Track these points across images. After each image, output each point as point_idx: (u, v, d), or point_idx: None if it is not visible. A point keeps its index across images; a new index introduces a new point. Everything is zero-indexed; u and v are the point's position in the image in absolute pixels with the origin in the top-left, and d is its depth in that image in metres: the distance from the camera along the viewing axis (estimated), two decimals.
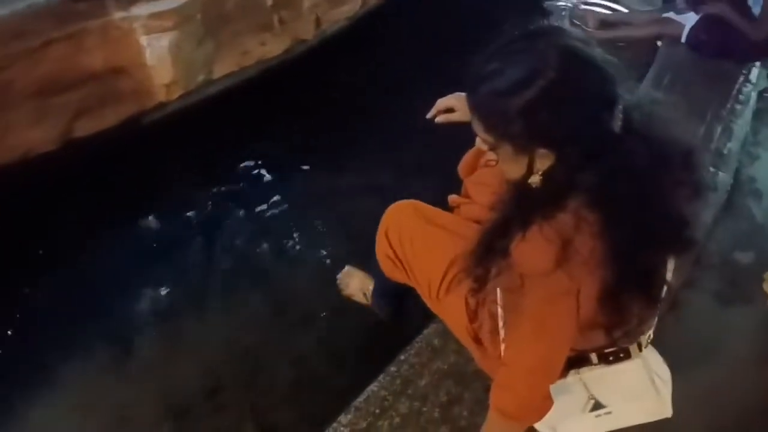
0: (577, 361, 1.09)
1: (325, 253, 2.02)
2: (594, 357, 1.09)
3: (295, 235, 2.09)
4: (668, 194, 0.89)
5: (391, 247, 1.39)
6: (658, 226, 0.87)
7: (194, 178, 2.27)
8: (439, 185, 1.95)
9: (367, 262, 1.66)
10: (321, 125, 2.56)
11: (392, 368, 1.43)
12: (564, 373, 1.09)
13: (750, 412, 1.50)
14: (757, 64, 2.73)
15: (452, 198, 1.52)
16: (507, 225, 0.91)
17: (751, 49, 2.62)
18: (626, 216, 0.84)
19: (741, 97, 2.58)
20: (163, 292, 1.89)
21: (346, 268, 1.85)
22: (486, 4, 3.16)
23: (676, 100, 1.06)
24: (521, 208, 0.90)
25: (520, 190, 0.92)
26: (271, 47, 2.48)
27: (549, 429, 1.18)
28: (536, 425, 1.18)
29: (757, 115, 2.61)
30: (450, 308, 1.31)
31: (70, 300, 1.83)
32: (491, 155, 0.94)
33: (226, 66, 2.35)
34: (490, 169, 1.32)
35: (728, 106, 2.52)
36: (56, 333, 1.74)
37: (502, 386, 1.02)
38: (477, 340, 1.25)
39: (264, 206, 2.21)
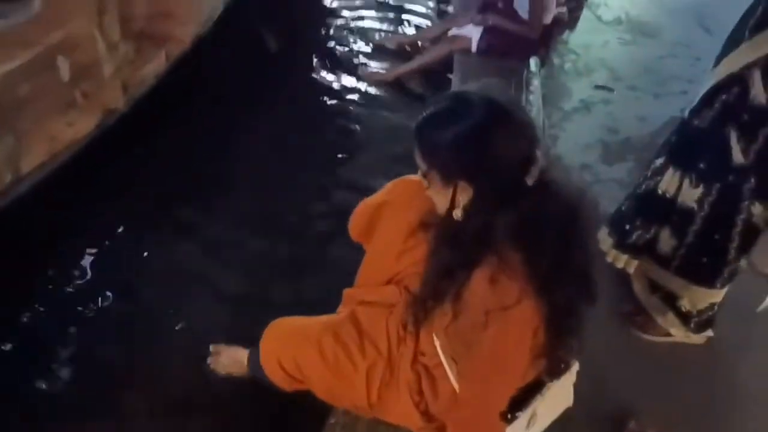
0: (536, 386, 1.18)
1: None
2: (546, 377, 1.18)
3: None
4: (574, 243, 1.02)
5: (290, 375, 1.39)
6: (570, 269, 1.01)
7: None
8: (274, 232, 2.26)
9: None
10: (145, 193, 2.43)
11: (331, 420, 1.42)
12: (525, 404, 1.16)
13: None
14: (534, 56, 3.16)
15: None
16: (450, 267, 1.01)
17: (530, 45, 3.03)
18: (544, 257, 0.96)
19: (531, 87, 2.97)
20: None
21: (211, 347, 1.74)
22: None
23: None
24: (459, 247, 1.00)
25: (451, 233, 1.02)
26: (81, 125, 2.26)
27: None
28: None
29: (545, 100, 3.04)
30: (389, 406, 1.31)
31: None
32: (424, 182, 1.05)
33: (35, 157, 2.09)
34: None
35: (523, 96, 2.89)
36: None
37: (463, 424, 1.08)
38: (429, 418, 1.26)
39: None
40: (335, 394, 1.36)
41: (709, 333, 2.01)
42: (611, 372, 1.85)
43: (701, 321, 1.97)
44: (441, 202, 1.04)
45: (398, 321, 1.33)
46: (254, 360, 1.52)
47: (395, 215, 1.35)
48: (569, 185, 1.04)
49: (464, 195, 0.99)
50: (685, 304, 1.93)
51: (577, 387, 1.31)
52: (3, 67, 1.96)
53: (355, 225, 1.45)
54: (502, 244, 0.96)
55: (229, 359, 1.66)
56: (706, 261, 1.82)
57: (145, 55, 2.61)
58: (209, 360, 1.71)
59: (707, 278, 1.85)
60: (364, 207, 1.42)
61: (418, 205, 1.16)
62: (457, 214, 1.01)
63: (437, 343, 1.17)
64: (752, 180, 1.63)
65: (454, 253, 1.01)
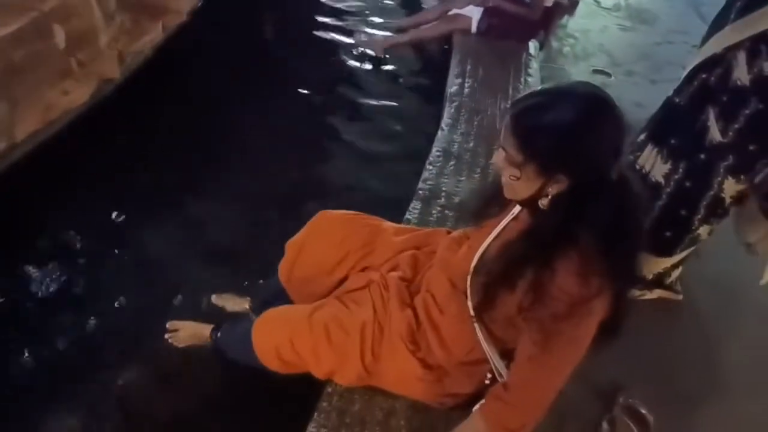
0: None
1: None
2: None
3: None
4: (639, 235, 1.05)
5: (287, 362, 1.40)
6: (633, 259, 1.05)
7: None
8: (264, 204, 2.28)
9: None
10: (140, 166, 2.40)
11: (324, 404, 1.43)
12: None
13: None
14: (533, 40, 3.15)
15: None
16: (526, 255, 1.02)
17: (530, 28, 3.02)
18: (622, 249, 0.99)
19: (530, 69, 2.97)
20: None
21: (168, 324, 1.78)
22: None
23: None
24: (538, 237, 1.02)
25: (534, 223, 1.05)
26: (76, 94, 2.24)
27: None
28: None
29: (543, 83, 3.02)
30: (386, 363, 1.33)
31: None
32: (514, 172, 1.02)
33: (29, 125, 2.07)
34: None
35: (522, 79, 2.89)
36: None
37: (518, 405, 1.08)
38: (427, 366, 1.29)
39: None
40: (332, 368, 1.37)
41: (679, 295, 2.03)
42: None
43: (665, 284, 1.99)
44: (524, 190, 1.03)
45: (380, 288, 1.39)
46: (224, 339, 1.62)
47: (317, 245, 1.52)
48: (635, 178, 1.05)
49: (557, 186, 0.99)
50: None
51: None
52: None
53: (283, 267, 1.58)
54: (584, 236, 0.97)
55: (187, 334, 1.74)
56: (669, 234, 1.83)
57: (141, 26, 2.59)
58: (167, 336, 1.77)
59: (668, 249, 1.87)
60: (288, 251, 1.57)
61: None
62: (543, 203, 1.01)
63: (477, 328, 1.19)
64: (730, 157, 1.64)
65: (531, 241, 1.02)
